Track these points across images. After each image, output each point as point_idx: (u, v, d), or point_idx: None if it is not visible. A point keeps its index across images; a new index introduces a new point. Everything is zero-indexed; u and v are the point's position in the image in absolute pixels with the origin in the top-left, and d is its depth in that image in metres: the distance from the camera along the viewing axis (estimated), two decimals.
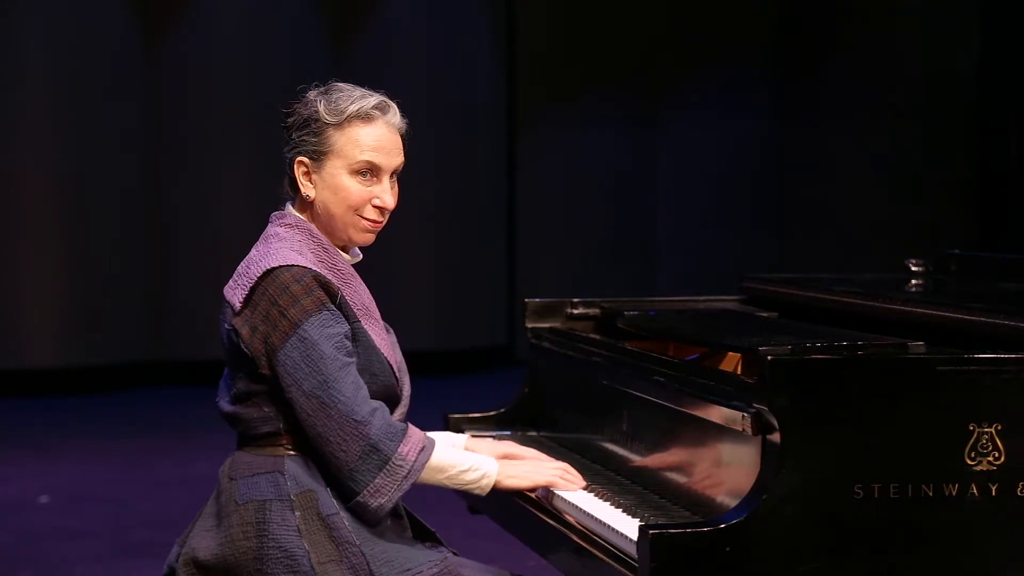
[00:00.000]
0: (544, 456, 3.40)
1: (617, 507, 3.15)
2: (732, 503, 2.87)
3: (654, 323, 3.92)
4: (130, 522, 6.73)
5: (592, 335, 3.92)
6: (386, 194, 3.15)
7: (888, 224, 11.34)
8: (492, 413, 3.99)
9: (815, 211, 12.05)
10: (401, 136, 3.19)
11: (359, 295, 3.16)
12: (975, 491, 2.81)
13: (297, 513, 3.01)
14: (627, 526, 2.98)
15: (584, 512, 3.14)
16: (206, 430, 8.67)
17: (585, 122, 12.06)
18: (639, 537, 2.77)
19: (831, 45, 11.90)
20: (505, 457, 3.30)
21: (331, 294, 3.06)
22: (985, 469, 2.81)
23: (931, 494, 2.80)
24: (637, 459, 3.40)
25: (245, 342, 3.03)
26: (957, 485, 2.81)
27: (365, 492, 2.99)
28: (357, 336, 3.08)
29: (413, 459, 3.02)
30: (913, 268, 4.15)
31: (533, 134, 12.05)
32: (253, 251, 3.16)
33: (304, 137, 3.16)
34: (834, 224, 11.78)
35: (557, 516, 3.25)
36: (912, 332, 3.22)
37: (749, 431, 2.83)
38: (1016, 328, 3.06)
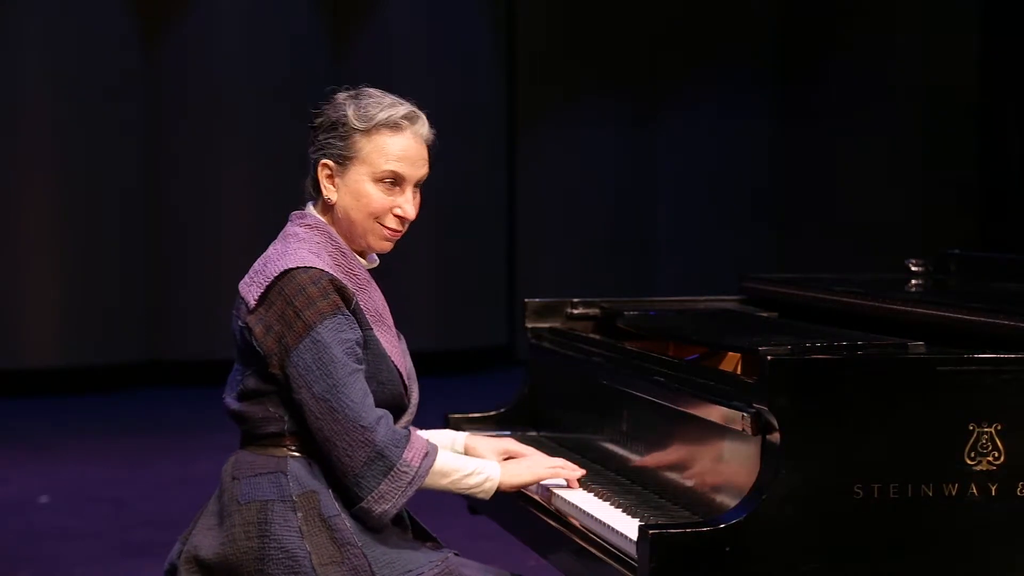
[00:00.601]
0: (542, 454, 3.41)
1: (617, 507, 3.15)
2: (732, 503, 2.87)
3: (654, 323, 3.92)
4: (130, 522, 6.73)
5: (592, 335, 3.92)
6: (408, 204, 3.15)
7: (888, 224, 11.34)
8: (492, 413, 3.99)
9: (815, 211, 12.05)
10: (428, 147, 3.19)
11: (373, 301, 3.16)
12: (975, 491, 2.81)
13: (299, 514, 3.02)
14: (627, 526, 2.98)
15: (584, 512, 3.14)
16: (206, 430, 8.67)
17: (585, 122, 12.06)
18: (639, 537, 2.77)
19: (831, 45, 11.90)
20: (505, 455, 3.31)
21: (346, 299, 3.06)
22: (985, 469, 2.82)
23: (931, 494, 2.80)
24: (637, 459, 3.40)
25: (258, 340, 3.03)
26: (957, 485, 2.81)
27: (369, 498, 2.99)
28: (368, 343, 3.08)
29: (417, 465, 3.02)
30: (913, 268, 4.15)
31: (533, 134, 12.05)
32: (271, 249, 3.16)
33: (330, 140, 3.15)
34: (834, 224, 11.78)
35: (557, 516, 3.25)
36: (912, 332, 3.22)
37: (749, 431, 2.83)
38: (1016, 328, 3.06)
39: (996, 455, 2.82)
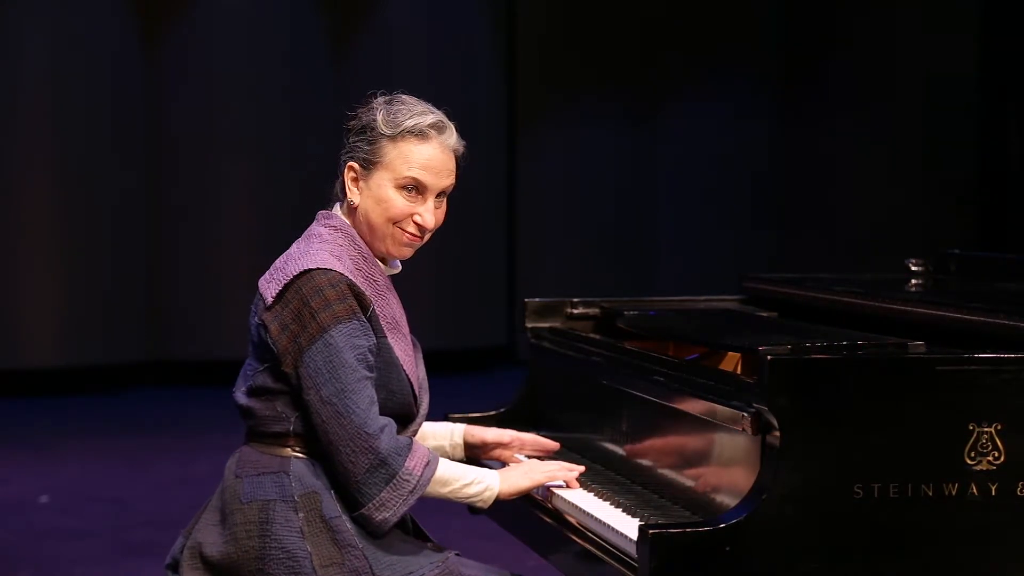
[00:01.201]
0: (543, 440, 3.46)
1: (617, 507, 3.15)
2: (732, 503, 2.87)
3: (654, 323, 3.92)
4: (130, 522, 6.73)
5: (592, 335, 3.92)
6: (428, 213, 3.15)
7: (888, 224, 11.34)
8: (492, 413, 3.99)
9: (815, 211, 12.05)
10: (456, 158, 3.19)
11: (391, 308, 3.17)
12: (975, 491, 2.81)
13: (300, 514, 3.02)
14: (627, 526, 2.98)
15: (584, 512, 3.14)
16: (206, 430, 8.68)
17: (585, 122, 12.06)
18: (639, 537, 2.77)
19: (831, 45, 11.90)
20: (506, 443, 3.35)
21: (363, 305, 3.06)
22: (985, 469, 2.81)
23: (931, 494, 2.80)
24: (637, 459, 3.40)
25: (273, 337, 3.03)
26: (957, 485, 2.81)
27: (370, 505, 3.00)
28: (381, 351, 3.09)
29: (420, 474, 3.03)
30: (913, 268, 4.15)
31: (533, 134, 12.05)
32: (294, 247, 3.16)
33: (358, 143, 3.16)
34: (834, 224, 11.78)
35: (557, 516, 3.25)
36: (912, 332, 3.22)
37: (749, 431, 2.83)
38: (1016, 328, 3.06)
39: (996, 455, 2.82)
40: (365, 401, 3.00)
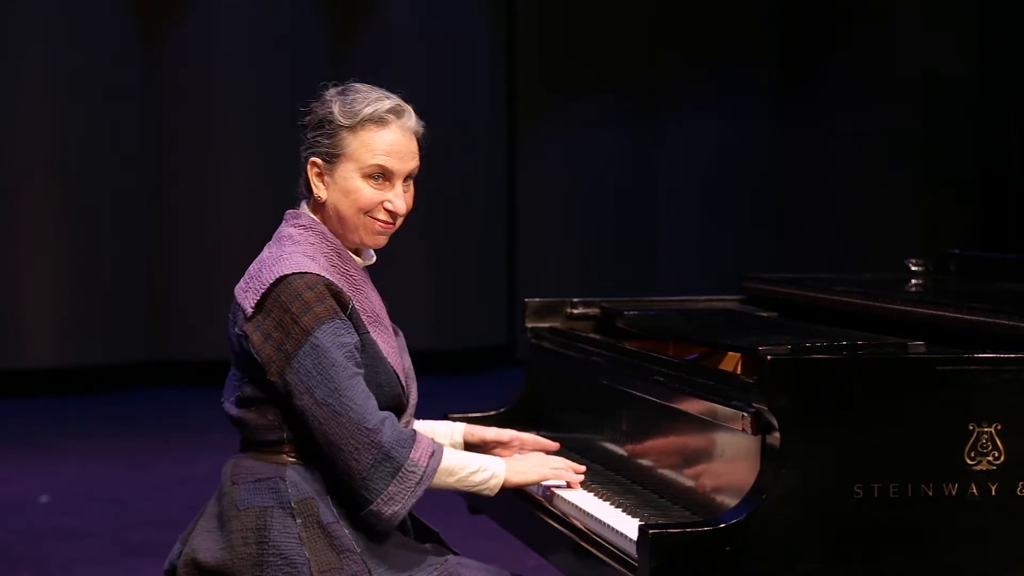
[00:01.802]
0: (543, 440, 3.44)
1: (617, 507, 3.15)
2: (732, 503, 2.87)
3: (654, 323, 3.92)
4: (130, 522, 6.73)
5: (592, 335, 3.92)
6: (398, 198, 3.13)
7: (888, 224, 11.33)
8: (492, 413, 3.99)
9: (815, 211, 12.05)
10: (418, 140, 3.17)
11: (370, 302, 3.15)
12: (975, 491, 2.81)
13: (298, 520, 3.00)
14: (627, 526, 2.98)
15: (584, 512, 3.14)
16: (206, 430, 8.67)
17: (585, 122, 12.06)
18: (639, 537, 2.77)
19: (831, 45, 11.90)
20: (506, 442, 3.34)
21: (343, 304, 3.04)
22: (985, 469, 2.82)
23: (931, 494, 2.80)
24: (637, 459, 3.40)
25: (256, 348, 3.01)
26: (957, 485, 2.81)
27: (379, 500, 2.97)
28: (365, 347, 3.07)
29: (425, 464, 3.00)
30: (913, 268, 4.15)
31: (533, 134, 12.04)
32: (265, 251, 3.14)
33: (318, 138, 3.13)
34: (834, 224, 11.78)
35: (557, 516, 3.25)
36: (912, 332, 3.22)
37: (749, 431, 2.83)
38: (1016, 328, 3.06)
39: (996, 455, 2.82)
40: (361, 397, 2.98)
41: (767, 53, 12.36)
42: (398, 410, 3.13)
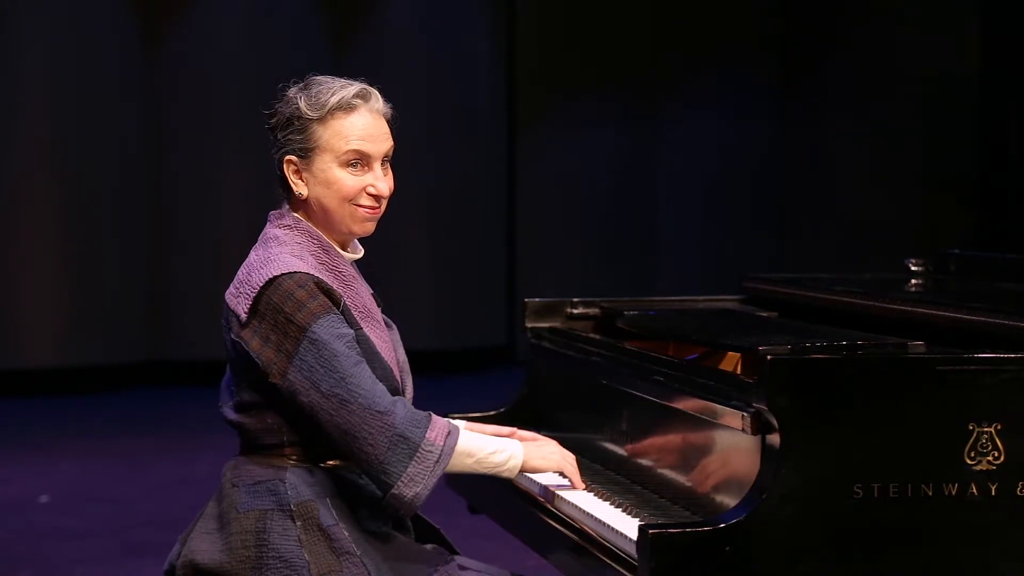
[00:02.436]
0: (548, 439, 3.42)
1: (617, 507, 3.15)
2: (732, 503, 2.87)
3: (654, 323, 3.92)
4: (130, 522, 6.73)
5: (592, 335, 3.92)
6: (379, 181, 3.12)
7: (888, 224, 11.33)
8: (492, 413, 3.99)
9: (815, 211, 12.05)
10: (388, 121, 3.17)
11: (361, 297, 3.14)
12: (975, 491, 2.81)
13: (298, 523, 2.99)
14: (627, 526, 2.98)
15: (584, 512, 3.14)
16: (206, 430, 8.66)
17: (585, 122, 12.05)
18: (639, 537, 2.77)
19: (831, 45, 11.90)
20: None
21: (334, 301, 3.03)
22: (985, 469, 2.82)
23: (931, 494, 2.80)
24: (637, 459, 3.40)
25: (255, 352, 3.00)
26: (957, 485, 2.81)
27: (399, 483, 2.95)
28: (360, 343, 3.06)
29: (442, 444, 2.99)
30: (913, 268, 4.15)
31: (533, 134, 12.04)
32: (252, 255, 3.13)
33: (289, 136, 3.12)
34: (834, 224, 11.78)
35: (557, 516, 3.25)
36: (912, 332, 3.22)
37: (749, 431, 2.83)
38: (1016, 328, 3.06)
39: (996, 455, 2.82)
40: (367, 382, 2.97)
41: (767, 53, 12.36)
42: None
